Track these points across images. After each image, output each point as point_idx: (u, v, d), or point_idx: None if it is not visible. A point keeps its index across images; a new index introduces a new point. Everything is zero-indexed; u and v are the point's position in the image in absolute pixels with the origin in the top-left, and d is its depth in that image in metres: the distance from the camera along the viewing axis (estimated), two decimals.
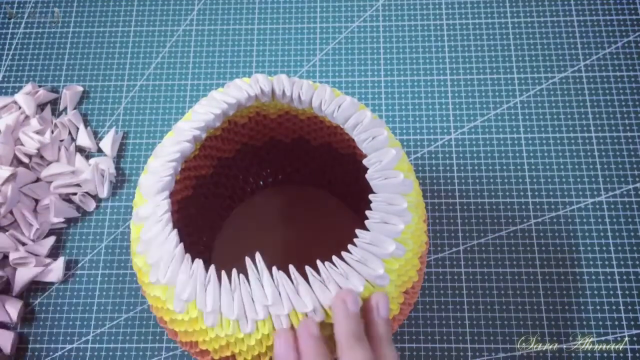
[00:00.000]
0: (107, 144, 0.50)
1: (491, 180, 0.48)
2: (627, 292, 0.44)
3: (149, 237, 0.29)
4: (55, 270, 0.46)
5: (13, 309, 0.44)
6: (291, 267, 0.27)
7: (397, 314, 0.31)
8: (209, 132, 0.34)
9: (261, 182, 0.47)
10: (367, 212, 0.29)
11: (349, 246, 0.28)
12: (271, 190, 0.48)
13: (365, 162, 0.31)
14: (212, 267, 0.28)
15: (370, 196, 0.29)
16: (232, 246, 0.46)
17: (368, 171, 0.30)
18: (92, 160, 0.49)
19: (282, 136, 0.42)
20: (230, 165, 0.43)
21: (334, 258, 0.28)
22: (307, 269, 0.27)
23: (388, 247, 0.28)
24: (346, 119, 0.32)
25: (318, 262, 0.28)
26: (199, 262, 0.28)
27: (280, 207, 0.47)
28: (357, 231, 0.29)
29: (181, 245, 0.28)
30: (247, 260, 0.28)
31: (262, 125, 0.40)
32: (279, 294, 0.26)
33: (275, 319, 0.27)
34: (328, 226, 0.46)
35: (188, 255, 0.28)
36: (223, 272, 0.27)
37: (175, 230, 0.29)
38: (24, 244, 0.46)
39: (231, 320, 0.27)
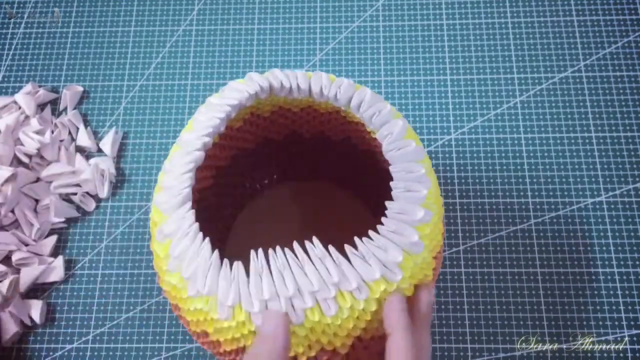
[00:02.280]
0: (107, 144, 0.50)
1: (491, 180, 0.48)
2: (627, 292, 0.44)
3: (180, 251, 0.28)
4: (57, 269, 0.46)
5: (36, 312, 0.45)
6: (331, 248, 0.27)
7: (430, 280, 0.32)
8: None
9: (258, 186, 0.47)
10: (391, 183, 0.30)
11: (382, 219, 0.29)
12: (269, 192, 0.47)
13: (377, 136, 0.32)
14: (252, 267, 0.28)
15: (390, 168, 0.30)
16: (242, 252, 0.45)
17: (383, 145, 0.31)
18: (92, 160, 0.49)
19: (274, 135, 0.42)
20: (228, 173, 0.43)
21: (371, 232, 0.28)
22: (347, 247, 0.28)
23: (417, 213, 0.28)
24: (349, 99, 0.32)
25: (355, 239, 0.28)
26: (239, 264, 0.27)
27: (280, 207, 0.47)
28: (386, 203, 0.29)
29: (217, 252, 0.28)
30: (281, 250, 0.28)
31: (256, 125, 0.40)
32: (323, 278, 0.26)
33: (323, 304, 0.27)
34: (331, 213, 0.46)
35: (226, 261, 0.28)
36: (264, 270, 0.27)
37: (208, 239, 0.28)
38: (26, 245, 0.47)
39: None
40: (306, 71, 0.53)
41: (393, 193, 0.30)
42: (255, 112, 0.38)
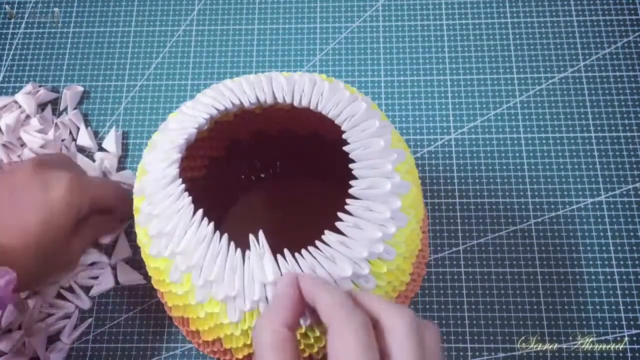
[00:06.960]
0: (111, 143, 0.50)
1: (491, 180, 0.48)
2: (627, 292, 0.44)
3: (195, 261, 0.28)
4: None
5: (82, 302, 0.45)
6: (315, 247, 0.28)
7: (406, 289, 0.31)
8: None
9: (253, 178, 0.47)
10: (352, 182, 0.28)
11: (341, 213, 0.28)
12: (262, 187, 0.47)
13: (337, 122, 0.30)
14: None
15: (352, 165, 0.29)
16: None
17: (345, 133, 0.30)
18: (97, 155, 0.49)
19: (241, 135, 0.41)
20: (222, 164, 0.42)
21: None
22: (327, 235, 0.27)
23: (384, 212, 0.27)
24: (308, 100, 0.31)
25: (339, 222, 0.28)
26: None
27: (271, 202, 0.46)
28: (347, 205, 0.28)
29: (239, 250, 0.28)
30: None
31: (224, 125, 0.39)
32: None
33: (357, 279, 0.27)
34: (323, 212, 0.46)
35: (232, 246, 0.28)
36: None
37: (226, 235, 0.28)
38: None
39: None
40: (307, 71, 0.53)
41: (353, 191, 0.28)
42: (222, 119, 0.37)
